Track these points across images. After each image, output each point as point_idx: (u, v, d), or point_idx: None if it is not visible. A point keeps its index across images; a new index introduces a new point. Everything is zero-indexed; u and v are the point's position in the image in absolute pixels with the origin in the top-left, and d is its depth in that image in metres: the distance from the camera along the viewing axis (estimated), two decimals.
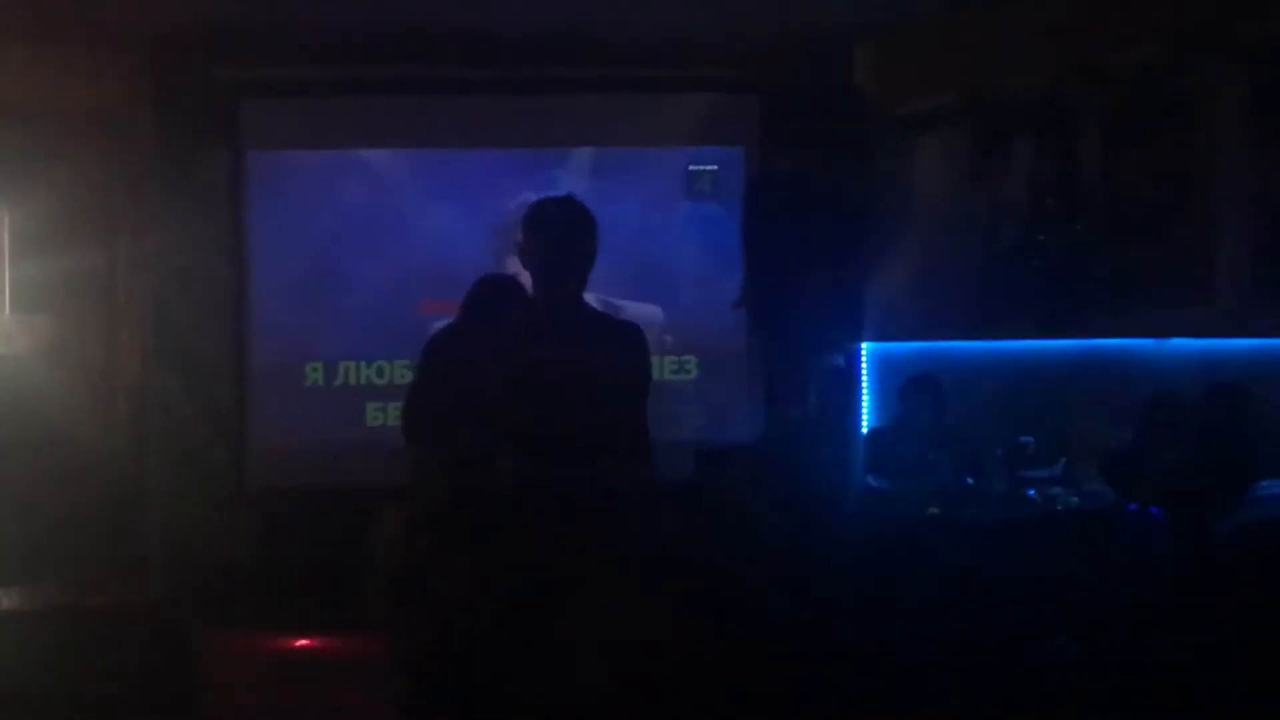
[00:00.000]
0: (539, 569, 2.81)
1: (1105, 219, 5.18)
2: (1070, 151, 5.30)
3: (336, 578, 5.67)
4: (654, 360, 3.40)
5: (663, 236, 6.25)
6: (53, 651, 3.18)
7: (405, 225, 6.23)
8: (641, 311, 5.77)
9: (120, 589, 5.34)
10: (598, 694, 2.78)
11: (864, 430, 5.86)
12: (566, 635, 2.82)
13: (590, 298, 3.18)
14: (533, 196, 5.65)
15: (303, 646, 5.28)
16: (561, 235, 3.05)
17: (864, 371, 6.20)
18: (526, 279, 3.20)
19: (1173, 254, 4.97)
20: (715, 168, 6.34)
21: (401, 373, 5.85)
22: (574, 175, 6.15)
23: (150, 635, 3.19)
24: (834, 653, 3.96)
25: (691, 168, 6.34)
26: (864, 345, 6.21)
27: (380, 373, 6.12)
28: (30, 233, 6.42)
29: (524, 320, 3.11)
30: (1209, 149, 4.77)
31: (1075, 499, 4.50)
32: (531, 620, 2.77)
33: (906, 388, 5.25)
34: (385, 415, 5.92)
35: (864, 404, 6.16)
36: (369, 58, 6.01)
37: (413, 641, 3.11)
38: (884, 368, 6.16)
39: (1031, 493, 4.54)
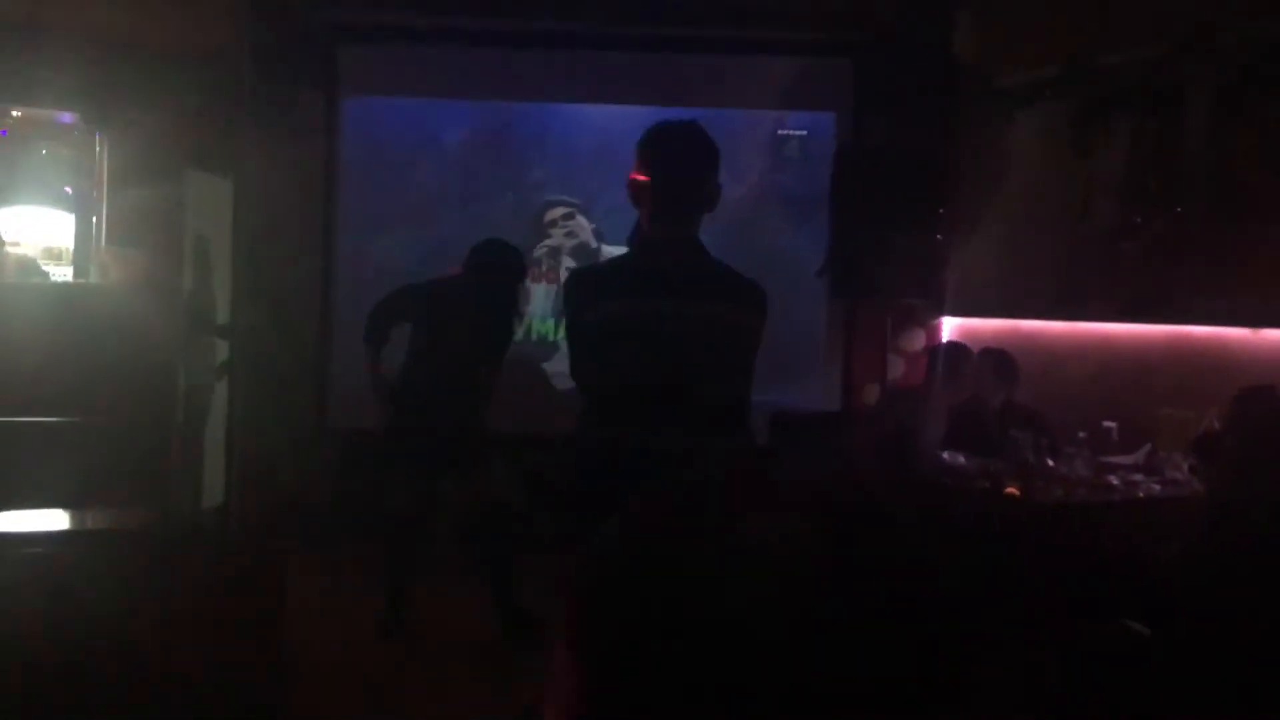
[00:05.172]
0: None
1: (1206, 201, 5.05)
2: (1175, 129, 5.16)
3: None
4: None
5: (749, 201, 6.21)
6: (135, 570, 3.26)
7: (490, 178, 6.28)
8: None
9: (201, 516, 5.48)
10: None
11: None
12: None
13: None
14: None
15: None
16: (679, 167, 2.69)
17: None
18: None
19: (1274, 240, 4.84)
20: (805, 133, 6.27)
21: None
22: None
23: (231, 557, 3.27)
24: (898, 627, 3.95)
25: (781, 132, 6.28)
26: (946, 319, 6.13)
27: None
28: (127, 166, 6.57)
29: (631, 264, 2.77)
30: None
31: (1157, 487, 4.41)
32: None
33: (976, 361, 5.14)
34: None
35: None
36: (465, 8, 6.03)
37: None
38: (969, 343, 6.09)
39: (1113, 478, 4.46)
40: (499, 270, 4.69)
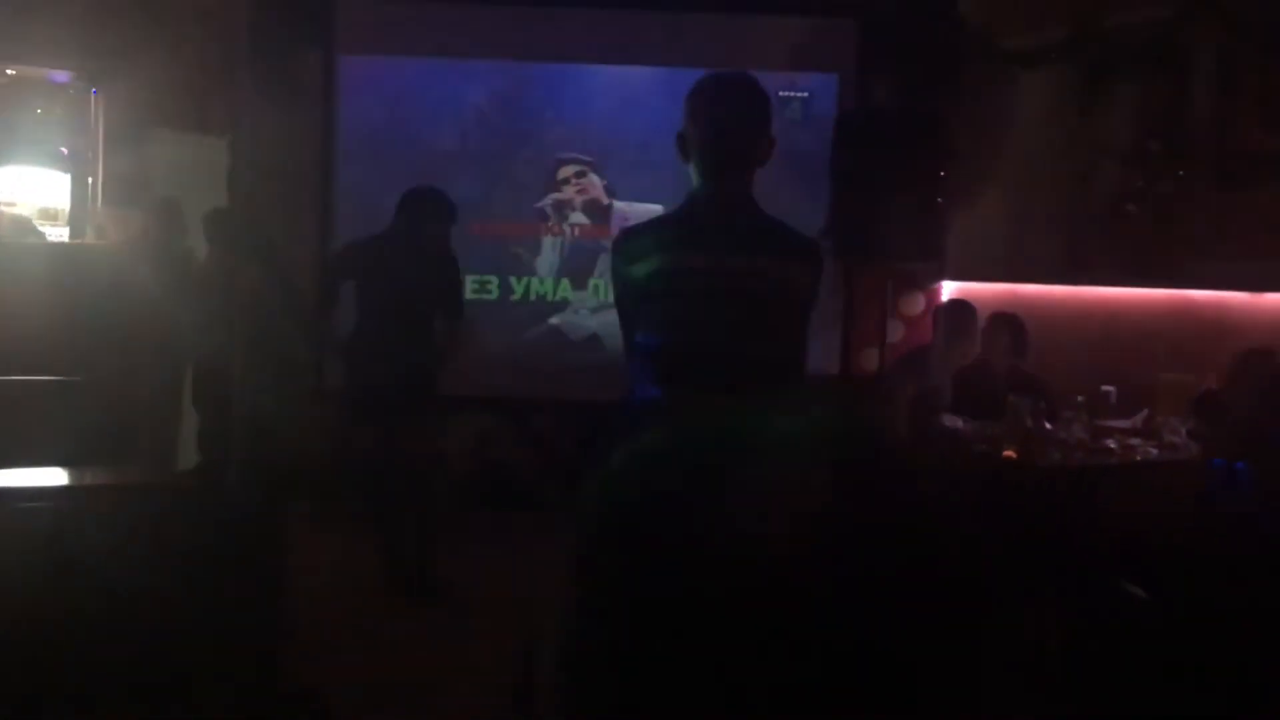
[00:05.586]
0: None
1: (1210, 166, 5.02)
2: (1179, 93, 5.13)
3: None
4: None
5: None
6: (135, 526, 3.26)
7: (496, 140, 6.25)
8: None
9: (198, 473, 5.47)
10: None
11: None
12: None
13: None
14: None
15: None
16: (733, 119, 2.57)
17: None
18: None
19: (1276, 204, 4.81)
20: (807, 94, 6.22)
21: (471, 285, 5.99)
22: (660, 94, 6.11)
23: (231, 515, 3.26)
24: (892, 590, 3.94)
25: (783, 93, 6.22)
26: (947, 283, 6.11)
27: None
28: (123, 125, 6.52)
29: (682, 219, 2.66)
30: None
31: (1155, 451, 4.41)
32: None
33: (987, 325, 5.13)
34: None
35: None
36: None
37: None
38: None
39: (1111, 442, 4.45)
40: (424, 215, 4.69)
